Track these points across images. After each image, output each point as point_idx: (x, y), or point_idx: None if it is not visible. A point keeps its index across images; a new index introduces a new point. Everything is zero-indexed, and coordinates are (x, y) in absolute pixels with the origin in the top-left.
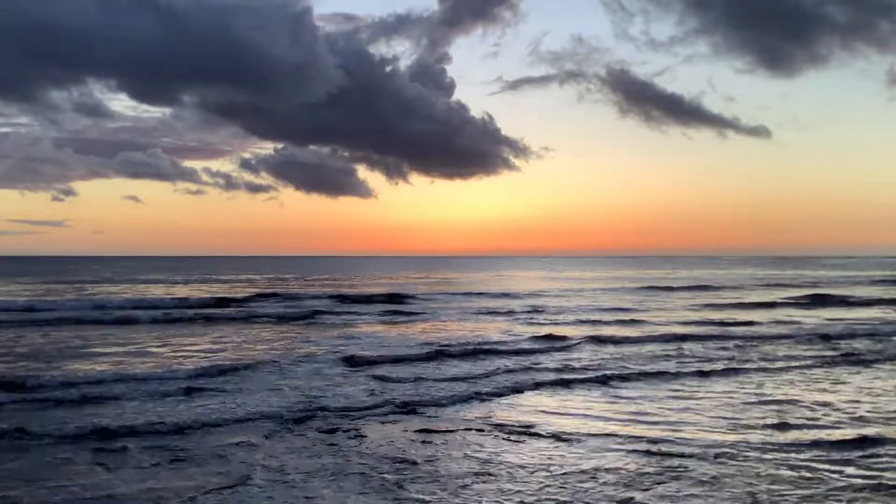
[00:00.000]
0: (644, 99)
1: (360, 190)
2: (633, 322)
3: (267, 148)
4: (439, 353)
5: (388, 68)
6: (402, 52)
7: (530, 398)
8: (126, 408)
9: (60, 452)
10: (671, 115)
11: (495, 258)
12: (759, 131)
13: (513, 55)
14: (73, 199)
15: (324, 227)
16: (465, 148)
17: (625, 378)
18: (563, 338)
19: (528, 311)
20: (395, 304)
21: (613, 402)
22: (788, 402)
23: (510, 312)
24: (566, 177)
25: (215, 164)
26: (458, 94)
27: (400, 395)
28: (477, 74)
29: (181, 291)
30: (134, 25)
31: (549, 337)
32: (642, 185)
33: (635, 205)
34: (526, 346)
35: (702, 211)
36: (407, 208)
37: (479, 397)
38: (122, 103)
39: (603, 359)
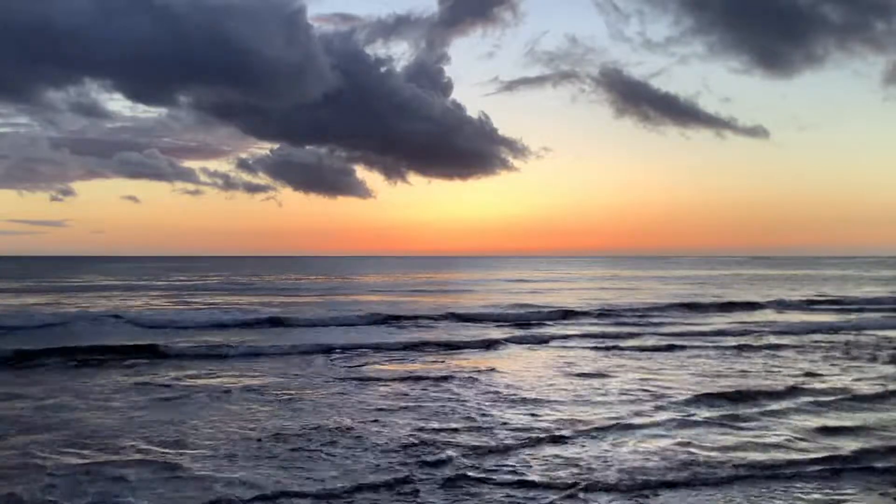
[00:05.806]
0: (640, 99)
1: (359, 190)
2: None
3: (264, 148)
4: None
5: (384, 69)
6: (401, 53)
7: None
8: None
9: None
10: (667, 115)
11: (495, 258)
12: (756, 131)
13: (508, 56)
14: (71, 199)
15: (322, 226)
16: (463, 148)
17: None
18: None
19: None
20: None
21: None
22: None
23: None
24: (564, 177)
25: (213, 165)
26: (455, 95)
27: None
28: (473, 75)
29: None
30: (131, 26)
31: None
32: (640, 185)
33: (633, 205)
34: None
35: (700, 211)
36: (406, 208)
37: None
38: (119, 103)
39: None
